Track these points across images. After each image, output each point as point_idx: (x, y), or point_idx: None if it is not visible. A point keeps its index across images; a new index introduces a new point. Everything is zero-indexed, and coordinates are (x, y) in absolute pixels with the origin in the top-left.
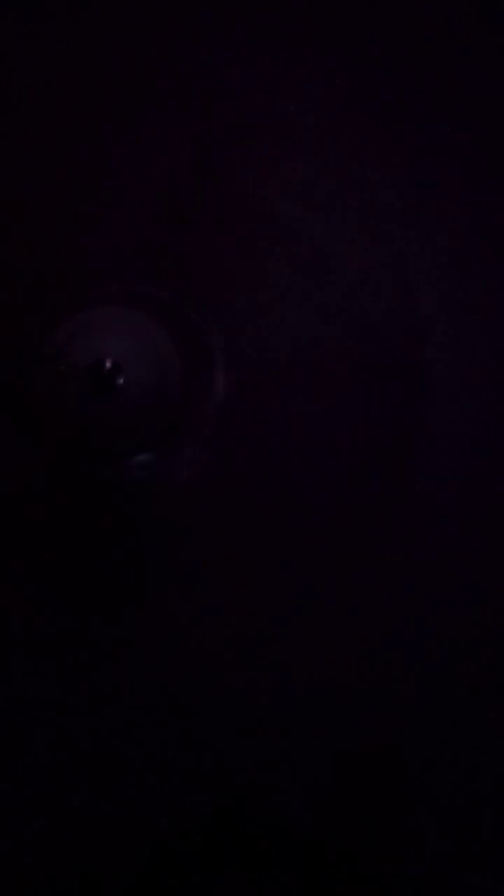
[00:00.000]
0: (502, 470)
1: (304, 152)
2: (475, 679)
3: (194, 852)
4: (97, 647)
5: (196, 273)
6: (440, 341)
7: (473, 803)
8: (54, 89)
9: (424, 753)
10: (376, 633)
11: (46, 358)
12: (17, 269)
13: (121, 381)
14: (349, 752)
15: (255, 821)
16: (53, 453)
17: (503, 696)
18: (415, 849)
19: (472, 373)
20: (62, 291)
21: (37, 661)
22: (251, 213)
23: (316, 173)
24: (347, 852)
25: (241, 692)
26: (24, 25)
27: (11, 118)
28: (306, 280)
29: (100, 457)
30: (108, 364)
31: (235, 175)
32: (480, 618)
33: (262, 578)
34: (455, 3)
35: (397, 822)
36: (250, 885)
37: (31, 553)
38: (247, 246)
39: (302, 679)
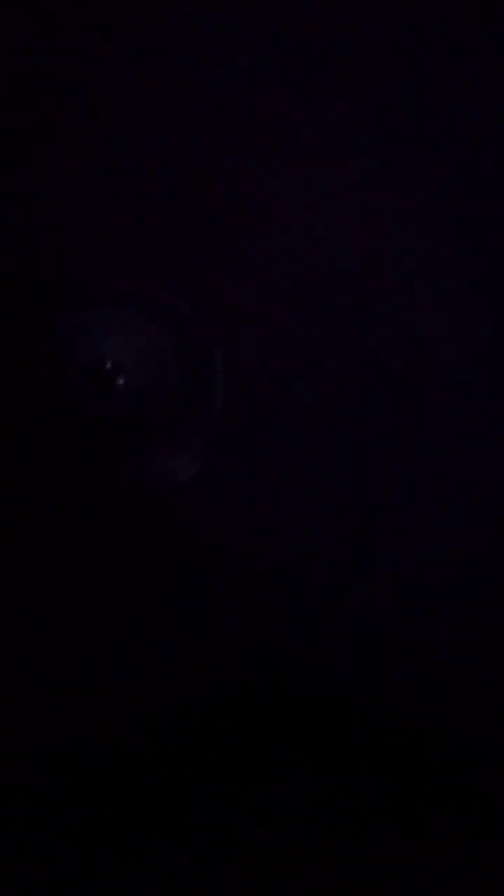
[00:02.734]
0: (501, 472)
1: (305, 153)
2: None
3: (229, 720)
4: (98, 645)
5: (196, 273)
6: (440, 343)
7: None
8: (56, 89)
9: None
10: (375, 630)
11: (46, 357)
12: (17, 269)
13: (121, 381)
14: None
15: (287, 688)
16: (53, 453)
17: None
18: (445, 707)
19: (472, 376)
20: (62, 291)
21: (37, 659)
22: (252, 214)
23: (317, 174)
24: (377, 713)
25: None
26: (24, 25)
27: (12, 118)
28: (306, 281)
29: (100, 457)
30: (108, 364)
31: (237, 176)
32: (479, 630)
33: (262, 578)
34: (455, 3)
35: (428, 685)
36: (283, 749)
37: (31, 553)
38: (247, 247)
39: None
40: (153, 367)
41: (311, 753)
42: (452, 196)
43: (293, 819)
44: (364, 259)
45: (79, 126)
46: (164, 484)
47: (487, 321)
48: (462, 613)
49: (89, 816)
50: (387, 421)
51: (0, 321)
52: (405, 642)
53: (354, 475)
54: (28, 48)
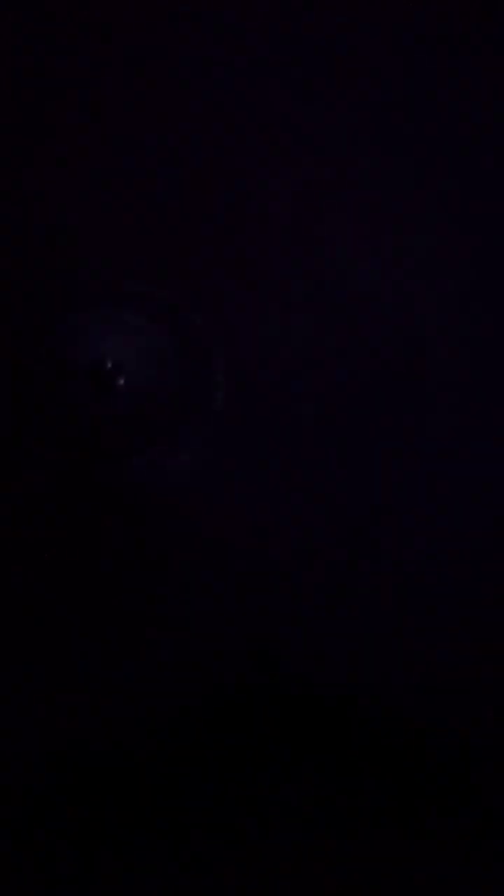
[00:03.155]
0: (501, 472)
1: (305, 153)
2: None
3: (229, 720)
4: (98, 645)
5: (196, 274)
6: (440, 344)
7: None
8: (57, 87)
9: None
10: (375, 630)
11: (46, 358)
12: (17, 269)
13: (121, 381)
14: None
15: (287, 688)
16: (53, 453)
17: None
18: (445, 707)
19: (471, 376)
20: (62, 291)
21: (37, 659)
22: (252, 214)
23: (316, 174)
24: (377, 713)
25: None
26: (24, 25)
27: (12, 116)
28: (306, 281)
29: (100, 456)
30: (108, 364)
31: (237, 176)
32: (483, 619)
33: (262, 578)
34: (456, 3)
35: (428, 689)
36: (283, 749)
37: (31, 553)
38: (247, 247)
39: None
40: (153, 367)
41: (311, 753)
42: (452, 196)
43: (293, 819)
44: (364, 259)
45: (79, 126)
46: (164, 484)
47: (487, 321)
48: (462, 613)
49: (89, 816)
50: (387, 421)
51: (1, 321)
52: (405, 642)
53: (354, 475)
54: (28, 48)
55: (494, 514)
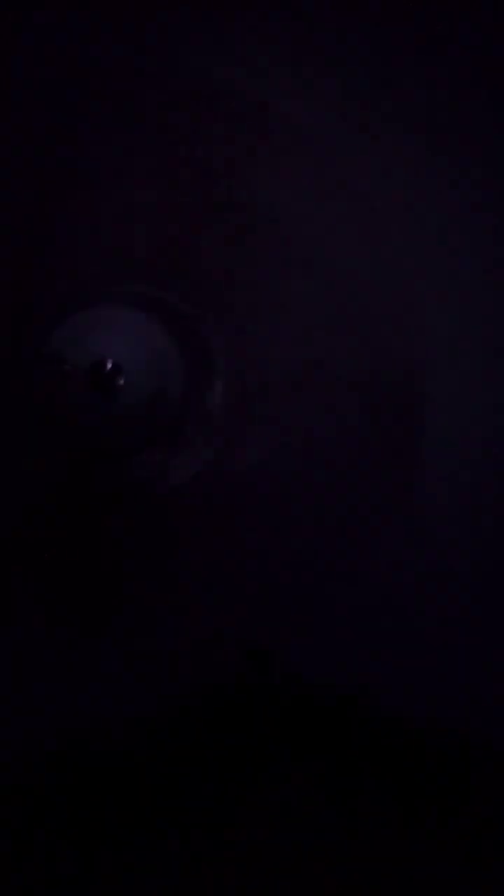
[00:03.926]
0: (502, 471)
1: (305, 152)
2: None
3: (228, 721)
4: (98, 645)
5: (197, 274)
6: (441, 345)
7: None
8: (55, 87)
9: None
10: (375, 630)
11: (46, 358)
12: (17, 270)
13: (121, 381)
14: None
15: (287, 688)
16: (53, 453)
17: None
18: (445, 707)
19: (472, 379)
20: (62, 292)
21: (37, 659)
22: (252, 215)
23: (317, 174)
24: (377, 713)
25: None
26: (22, 24)
27: (10, 117)
28: (307, 281)
29: (100, 457)
30: (108, 364)
31: (237, 176)
32: (482, 619)
33: (262, 577)
34: (457, 4)
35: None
36: (283, 749)
37: (31, 552)
38: (248, 247)
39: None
40: (153, 367)
41: (311, 753)
42: (454, 196)
43: (293, 819)
44: (364, 259)
45: (78, 126)
46: (164, 484)
47: (487, 320)
48: (462, 613)
49: (89, 816)
50: (388, 420)
51: (1, 322)
52: (405, 642)
53: (356, 474)
54: (28, 52)
55: (494, 515)
